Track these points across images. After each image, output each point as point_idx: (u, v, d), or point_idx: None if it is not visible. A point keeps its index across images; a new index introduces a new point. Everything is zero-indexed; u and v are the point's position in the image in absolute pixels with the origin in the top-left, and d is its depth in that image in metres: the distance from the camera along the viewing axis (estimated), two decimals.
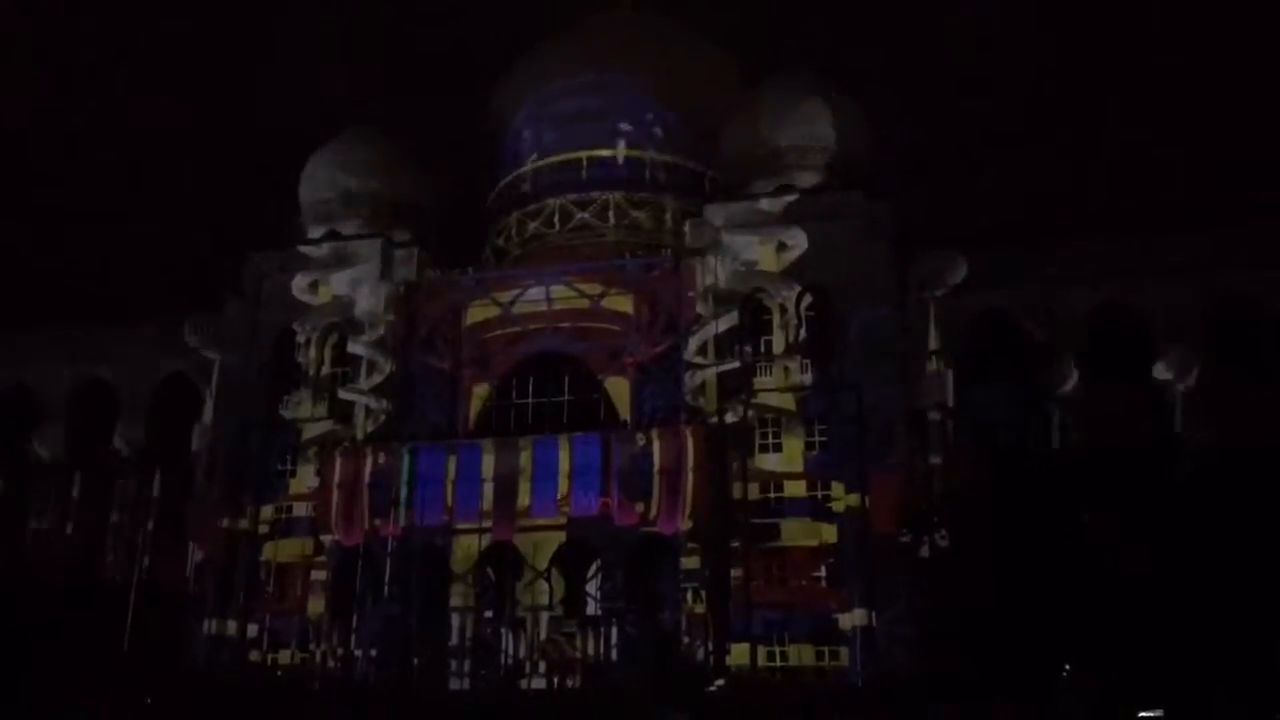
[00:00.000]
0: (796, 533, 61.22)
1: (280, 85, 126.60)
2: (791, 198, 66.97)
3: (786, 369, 64.16)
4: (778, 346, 65.12)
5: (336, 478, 64.67)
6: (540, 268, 72.86)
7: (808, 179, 68.76)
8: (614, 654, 61.23)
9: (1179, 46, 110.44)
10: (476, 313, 71.34)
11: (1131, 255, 63.15)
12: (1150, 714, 41.30)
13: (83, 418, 77.13)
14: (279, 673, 64.20)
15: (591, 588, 64.62)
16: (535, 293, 70.09)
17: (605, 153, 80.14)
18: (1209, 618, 38.98)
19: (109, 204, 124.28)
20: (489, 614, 64.30)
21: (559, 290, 69.65)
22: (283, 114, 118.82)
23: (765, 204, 67.18)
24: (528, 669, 62.17)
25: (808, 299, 64.99)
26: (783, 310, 65.20)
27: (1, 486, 75.75)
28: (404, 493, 63.16)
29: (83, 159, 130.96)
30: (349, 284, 71.49)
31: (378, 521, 63.45)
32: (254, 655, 65.87)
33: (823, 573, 61.06)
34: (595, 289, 69.16)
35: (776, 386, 63.80)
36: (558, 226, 79.22)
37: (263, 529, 68.90)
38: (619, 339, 68.04)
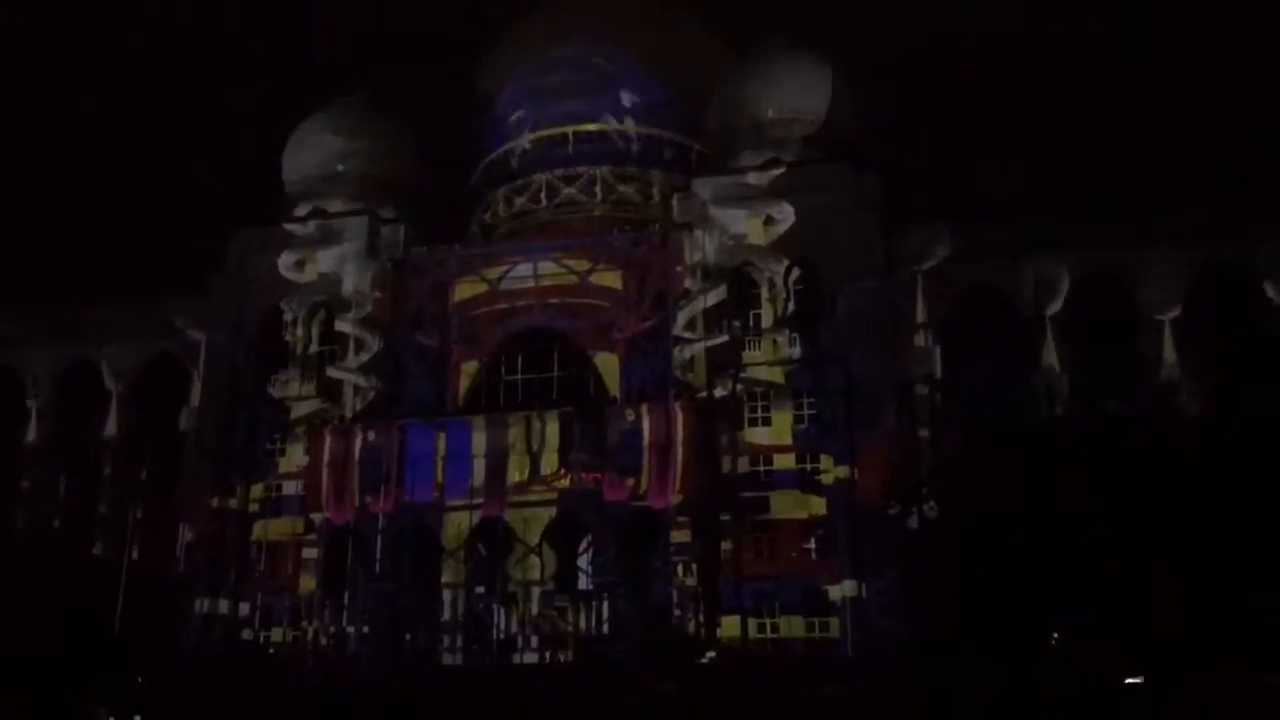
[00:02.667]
0: (786, 505, 61.63)
1: (263, 59, 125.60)
2: (778, 171, 66.86)
3: (775, 343, 64.42)
4: (766, 320, 65.40)
5: (326, 456, 64.79)
6: (528, 243, 72.72)
7: (794, 152, 68.50)
8: (606, 628, 61.58)
9: (1169, 15, 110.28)
10: (464, 289, 71.19)
11: (1118, 226, 63.16)
12: (1137, 679, 41.73)
13: (69, 400, 76.73)
14: (271, 651, 64.37)
15: (583, 562, 64.87)
16: (523, 269, 69.93)
17: (592, 127, 79.71)
18: (1195, 585, 39.36)
19: (91, 184, 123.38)
20: (480, 590, 64.53)
21: (547, 266, 69.49)
22: (266, 88, 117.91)
23: (752, 178, 67.07)
24: (520, 644, 62.46)
25: (796, 272, 65.06)
26: (771, 284, 65.37)
27: None
28: (394, 470, 63.39)
29: (64, 139, 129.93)
30: (335, 261, 71.31)
31: (368, 499, 63.66)
32: (246, 634, 66.07)
33: (812, 544, 61.43)
34: (583, 265, 69.03)
35: (765, 360, 64.07)
36: (545, 202, 78.95)
37: (253, 508, 69.09)
38: (607, 314, 68.00)
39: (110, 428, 75.16)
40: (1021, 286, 63.86)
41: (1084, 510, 42.62)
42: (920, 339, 64.05)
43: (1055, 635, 44.68)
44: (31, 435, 76.56)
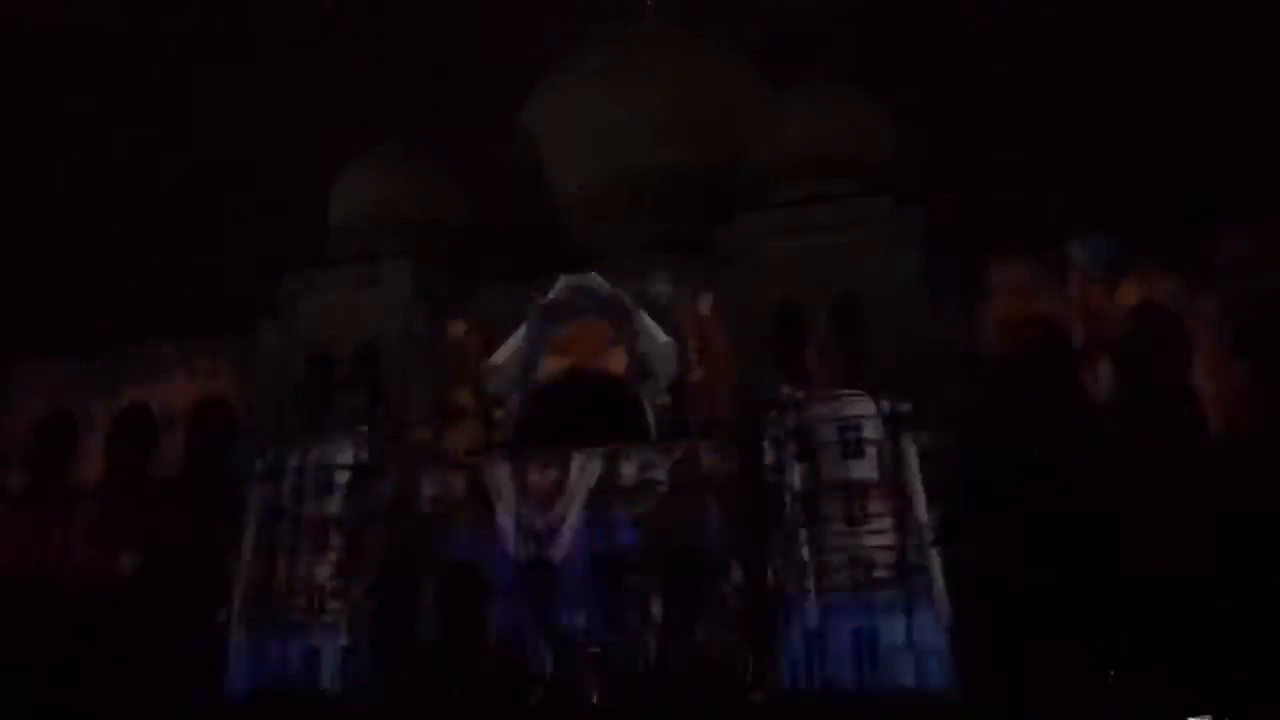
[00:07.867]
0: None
1: (311, 103, 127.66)
2: (819, 206, 66.69)
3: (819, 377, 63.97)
4: (809, 355, 64.96)
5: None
6: None
7: (836, 186, 68.26)
8: (653, 667, 61.07)
9: (1223, 41, 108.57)
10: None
11: (1168, 255, 62.16)
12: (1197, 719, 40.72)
13: (122, 442, 77.83)
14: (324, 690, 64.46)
15: (630, 600, 64.41)
16: None
17: (632, 164, 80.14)
18: (1253, 619, 38.48)
19: (141, 227, 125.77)
20: (527, 630, 64.27)
21: None
22: (313, 132, 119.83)
23: (793, 212, 66.96)
24: (568, 683, 62.07)
25: (838, 306, 64.73)
26: (814, 318, 65.04)
27: (44, 511, 76.50)
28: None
29: (113, 181, 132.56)
30: (381, 304, 72.09)
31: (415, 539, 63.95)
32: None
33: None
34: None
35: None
36: None
37: None
38: None
39: (161, 468, 76.14)
40: (1070, 316, 62.98)
41: (1136, 542, 41.94)
42: (967, 370, 63.22)
43: (1112, 672, 43.85)
44: (86, 474, 77.64)
